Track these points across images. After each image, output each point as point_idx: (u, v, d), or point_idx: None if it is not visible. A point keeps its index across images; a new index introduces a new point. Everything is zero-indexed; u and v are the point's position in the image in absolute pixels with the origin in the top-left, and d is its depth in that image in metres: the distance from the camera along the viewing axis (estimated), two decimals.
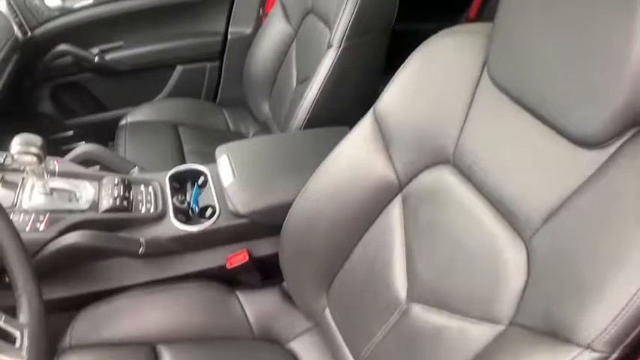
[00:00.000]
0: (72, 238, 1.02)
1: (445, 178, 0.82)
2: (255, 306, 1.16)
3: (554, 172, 0.68)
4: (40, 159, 1.00)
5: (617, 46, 0.58)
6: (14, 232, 0.83)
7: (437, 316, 0.80)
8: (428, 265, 0.82)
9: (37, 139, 0.99)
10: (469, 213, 0.77)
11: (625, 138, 0.63)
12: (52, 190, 1.09)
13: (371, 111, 0.94)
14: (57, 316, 1.01)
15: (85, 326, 1.06)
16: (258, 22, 2.00)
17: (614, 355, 0.57)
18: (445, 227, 0.80)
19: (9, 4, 1.75)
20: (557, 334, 0.61)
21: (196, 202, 1.20)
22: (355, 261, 0.97)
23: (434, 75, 0.85)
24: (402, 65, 0.90)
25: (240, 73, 1.93)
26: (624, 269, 0.57)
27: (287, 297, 1.19)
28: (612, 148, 0.63)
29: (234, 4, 2.01)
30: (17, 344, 0.72)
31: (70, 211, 1.07)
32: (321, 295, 1.04)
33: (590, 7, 0.61)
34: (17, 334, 0.73)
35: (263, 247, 1.19)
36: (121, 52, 1.94)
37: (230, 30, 2.04)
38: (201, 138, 1.79)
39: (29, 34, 1.79)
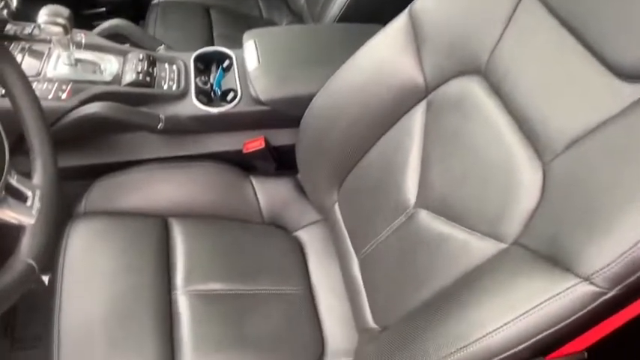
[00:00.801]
0: (93, 108, 1.01)
1: (473, 88, 0.77)
2: (267, 192, 1.16)
3: (588, 98, 0.63)
4: (66, 30, 0.99)
5: None
6: (34, 97, 0.82)
7: (442, 224, 0.78)
8: (442, 173, 0.79)
9: (64, 10, 0.98)
10: (492, 127, 0.73)
11: None
12: (77, 61, 1.08)
13: (407, 9, 0.88)
14: (74, 184, 1.05)
15: (100, 194, 1.07)
16: None
17: (612, 293, 0.54)
18: (465, 138, 0.76)
19: None
20: (558, 261, 0.58)
21: (219, 84, 1.16)
22: (371, 160, 0.94)
23: None
24: None
25: None
26: None
27: (299, 188, 1.18)
28: None
29: None
30: (28, 203, 0.73)
31: (93, 83, 1.06)
32: (332, 190, 1.03)
33: None
34: (29, 193, 0.73)
35: (280, 137, 1.16)
36: None
37: None
38: (231, 23, 1.72)
39: None
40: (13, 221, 0.70)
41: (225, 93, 1.15)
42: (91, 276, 0.94)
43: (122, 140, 1.11)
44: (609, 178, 0.57)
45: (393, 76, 0.88)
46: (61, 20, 0.97)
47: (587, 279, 0.54)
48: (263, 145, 1.12)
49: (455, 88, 0.80)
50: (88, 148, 1.10)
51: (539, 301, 0.57)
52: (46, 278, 1.02)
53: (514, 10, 0.73)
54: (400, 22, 0.88)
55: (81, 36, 1.13)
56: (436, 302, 0.72)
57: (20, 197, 0.72)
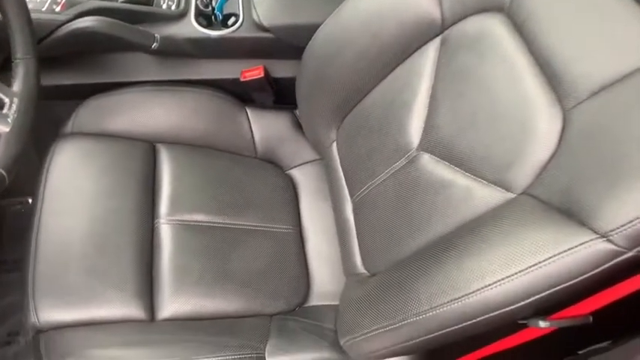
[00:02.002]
0: (86, 22, 0.94)
1: (494, 26, 0.70)
2: (263, 125, 1.10)
3: (622, 43, 0.56)
4: None
5: None
6: (23, 4, 0.77)
7: (445, 169, 0.72)
8: (450, 115, 0.73)
9: None
10: (510, 69, 0.66)
11: None
12: None
13: None
14: (63, 103, 1.01)
15: (89, 115, 1.01)
16: None
17: (630, 254, 0.48)
18: (480, 79, 0.69)
19: None
20: (572, 214, 0.52)
21: (221, 8, 1.07)
22: (374, 99, 0.87)
23: None
24: None
25: None
26: None
27: (297, 125, 1.11)
28: None
29: None
30: (4, 110, 0.69)
31: None
32: (331, 128, 0.96)
33: None
34: (6, 100, 0.69)
35: (281, 69, 1.08)
36: None
37: None
38: None
39: None
40: None
41: (226, 18, 1.06)
42: (72, 197, 0.90)
43: (115, 60, 1.05)
44: (638, 129, 0.51)
45: (407, 9, 0.80)
46: None
47: (604, 235, 0.49)
48: (262, 74, 1.04)
49: (474, 26, 0.73)
50: (80, 66, 1.04)
51: (547, 255, 0.51)
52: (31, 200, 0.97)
53: None
54: None
55: None
56: (432, 250, 0.67)
57: None
